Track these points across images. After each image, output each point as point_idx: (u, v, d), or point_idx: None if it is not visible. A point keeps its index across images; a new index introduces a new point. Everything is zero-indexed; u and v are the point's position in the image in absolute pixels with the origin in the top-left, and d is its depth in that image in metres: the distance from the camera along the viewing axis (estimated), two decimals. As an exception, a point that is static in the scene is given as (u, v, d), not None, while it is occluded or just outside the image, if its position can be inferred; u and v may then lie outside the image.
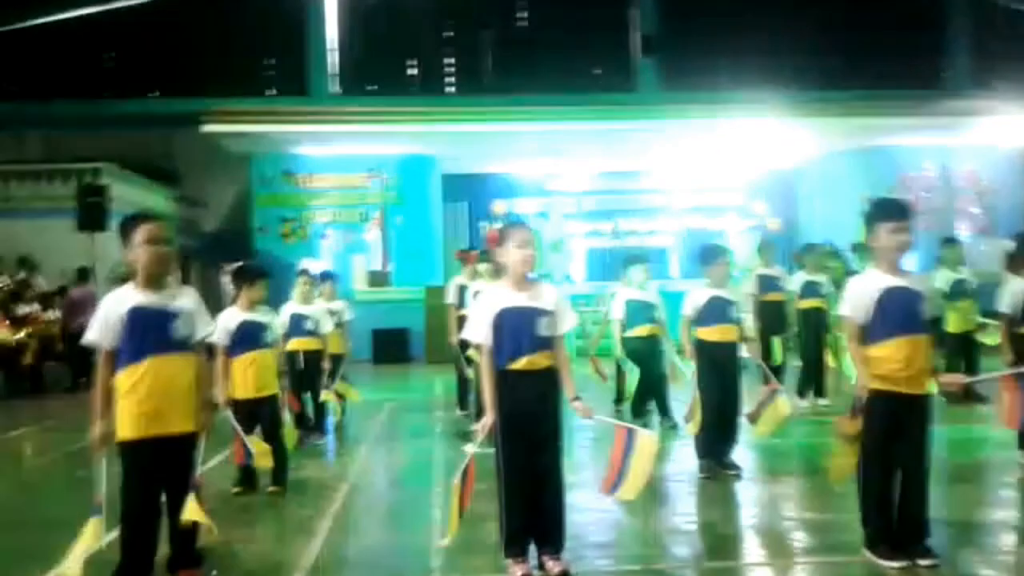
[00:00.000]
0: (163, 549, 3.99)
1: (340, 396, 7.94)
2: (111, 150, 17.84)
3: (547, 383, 4.06)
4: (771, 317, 9.20)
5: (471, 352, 8.22)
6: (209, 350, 5.00)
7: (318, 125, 16.89)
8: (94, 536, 3.78)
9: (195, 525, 3.99)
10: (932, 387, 4.14)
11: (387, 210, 17.56)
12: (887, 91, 18.36)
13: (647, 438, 4.12)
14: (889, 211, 4.18)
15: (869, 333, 4.11)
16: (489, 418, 4.08)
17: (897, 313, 4.06)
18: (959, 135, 18.35)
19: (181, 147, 19.64)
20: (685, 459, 6.27)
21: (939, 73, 21.65)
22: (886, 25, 20.51)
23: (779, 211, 21.01)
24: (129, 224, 3.98)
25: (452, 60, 21.92)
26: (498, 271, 7.88)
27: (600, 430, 7.75)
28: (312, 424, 7.76)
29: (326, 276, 8.73)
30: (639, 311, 7.80)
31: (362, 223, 18.13)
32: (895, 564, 3.97)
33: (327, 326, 7.87)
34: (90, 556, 3.77)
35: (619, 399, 8.82)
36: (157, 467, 3.88)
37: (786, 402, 5.89)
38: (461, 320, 8.41)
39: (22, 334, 12.81)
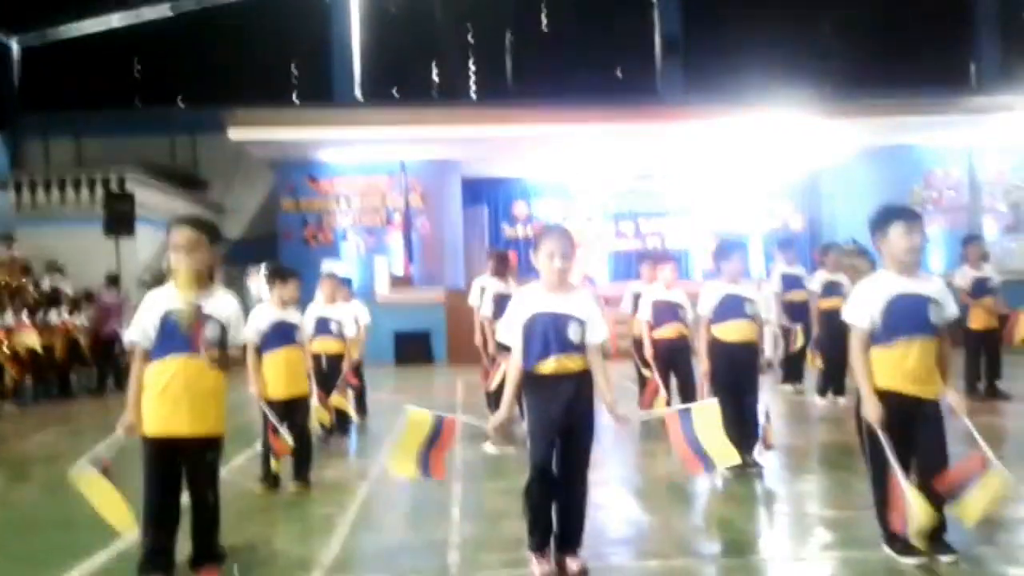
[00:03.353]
0: (185, 547, 4.06)
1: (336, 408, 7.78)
2: (137, 157, 18.08)
3: (577, 387, 4.03)
4: (793, 316, 9.31)
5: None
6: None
7: (342, 130, 17.01)
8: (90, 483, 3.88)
9: (215, 521, 4.07)
10: (938, 391, 4.03)
11: (409, 214, 17.63)
12: (912, 89, 18.23)
13: (701, 408, 4.19)
14: (899, 213, 4.15)
15: (876, 335, 4.07)
16: (499, 416, 4.13)
17: (904, 316, 4.02)
18: (986, 133, 18.16)
19: (206, 153, 19.88)
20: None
21: (966, 71, 21.49)
22: (911, 23, 20.39)
23: (803, 211, 20.91)
24: (170, 228, 4.07)
25: (474, 65, 22.03)
26: (514, 276, 7.95)
27: (619, 428, 7.79)
28: (333, 424, 7.82)
29: (342, 281, 8.80)
30: (667, 311, 7.72)
31: (384, 227, 18.24)
32: (912, 560, 3.95)
33: (350, 328, 7.94)
34: (118, 553, 3.86)
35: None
36: (175, 464, 3.96)
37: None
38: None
39: (49, 339, 12.99)
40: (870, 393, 4.00)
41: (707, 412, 4.17)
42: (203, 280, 4.05)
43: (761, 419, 5.94)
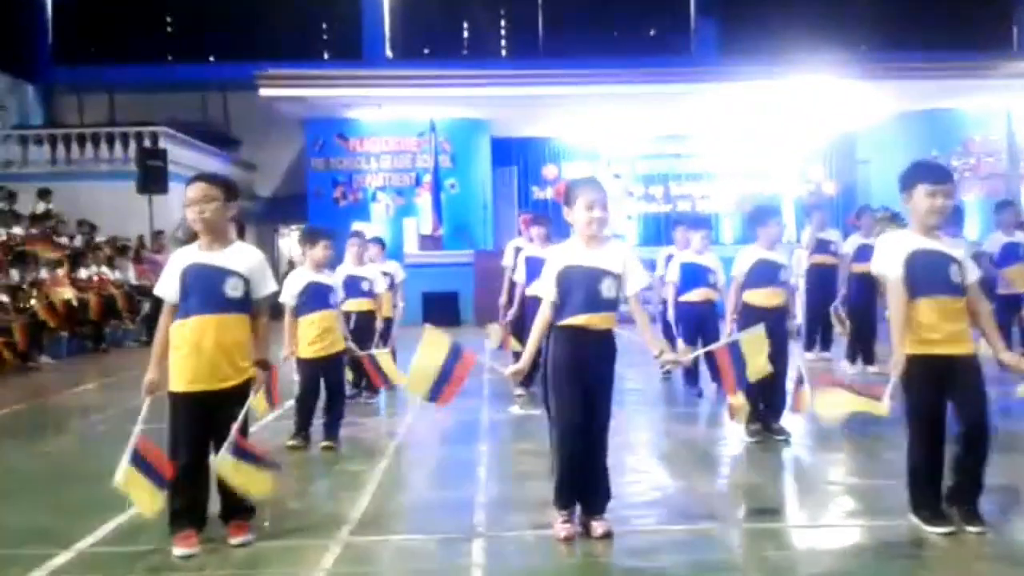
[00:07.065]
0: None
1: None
2: (169, 114, 18.13)
3: (603, 345, 4.04)
4: (820, 281, 9.22)
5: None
6: (277, 309, 5.24)
7: (372, 89, 16.94)
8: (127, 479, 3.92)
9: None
10: (972, 348, 3.98)
11: (439, 174, 17.58)
12: (951, 52, 17.78)
13: (749, 336, 4.34)
14: (928, 173, 4.05)
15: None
16: (519, 365, 4.17)
17: (926, 273, 3.94)
18: (1025, 97, 17.73)
19: (237, 111, 19.89)
20: (733, 423, 6.24)
21: (1007, 34, 20.99)
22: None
23: (838, 175, 20.62)
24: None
25: (505, 23, 21.81)
26: (547, 236, 7.92)
27: (647, 393, 7.81)
28: (365, 383, 7.89)
29: (373, 240, 8.82)
30: (695, 275, 7.69)
31: (414, 187, 18.22)
32: (939, 529, 3.93)
33: (381, 287, 7.97)
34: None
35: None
36: (200, 419, 4.00)
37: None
38: (512, 284, 8.42)
39: (85, 294, 13.17)
40: (901, 344, 3.95)
41: (754, 340, 4.36)
42: (221, 234, 4.11)
43: (792, 385, 5.88)
